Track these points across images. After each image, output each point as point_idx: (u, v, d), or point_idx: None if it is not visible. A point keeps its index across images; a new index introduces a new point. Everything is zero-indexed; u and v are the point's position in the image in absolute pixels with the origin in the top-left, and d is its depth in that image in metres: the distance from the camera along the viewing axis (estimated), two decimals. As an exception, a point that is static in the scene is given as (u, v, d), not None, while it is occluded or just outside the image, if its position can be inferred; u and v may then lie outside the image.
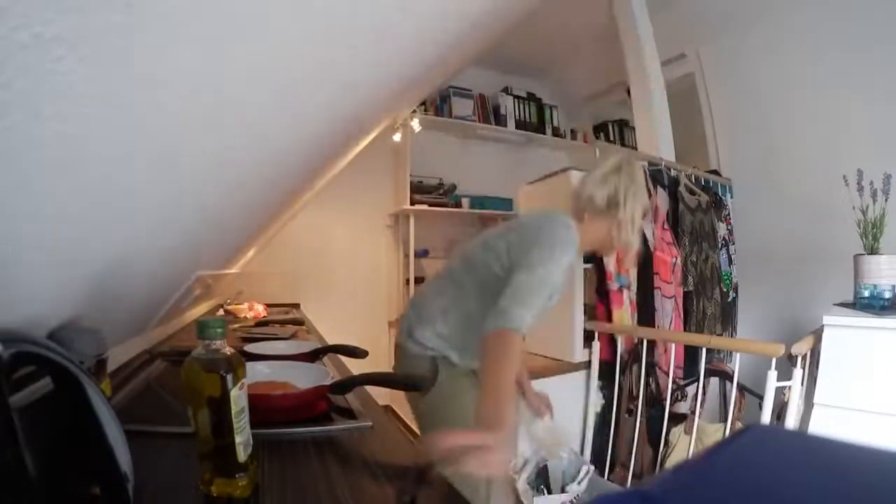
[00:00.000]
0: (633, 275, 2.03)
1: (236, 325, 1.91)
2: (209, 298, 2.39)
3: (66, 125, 0.38)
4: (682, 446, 1.79)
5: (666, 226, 2.10)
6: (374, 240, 3.43)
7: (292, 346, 1.34)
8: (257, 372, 0.93)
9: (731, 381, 1.72)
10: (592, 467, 1.77)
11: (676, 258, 2.08)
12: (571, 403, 2.05)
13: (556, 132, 3.73)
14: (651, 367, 1.93)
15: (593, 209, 1.15)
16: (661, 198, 2.17)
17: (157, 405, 0.92)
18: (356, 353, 1.24)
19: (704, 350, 1.68)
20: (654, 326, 2.01)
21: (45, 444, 0.42)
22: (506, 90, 3.56)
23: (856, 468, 0.18)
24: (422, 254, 3.35)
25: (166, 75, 0.45)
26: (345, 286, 3.35)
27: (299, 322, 2.18)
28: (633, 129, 2.83)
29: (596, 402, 2.02)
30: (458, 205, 3.37)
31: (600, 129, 3.86)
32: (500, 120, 3.50)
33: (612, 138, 3.81)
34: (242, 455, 0.54)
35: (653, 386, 1.95)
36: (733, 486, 0.18)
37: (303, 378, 0.91)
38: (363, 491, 0.59)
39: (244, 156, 0.85)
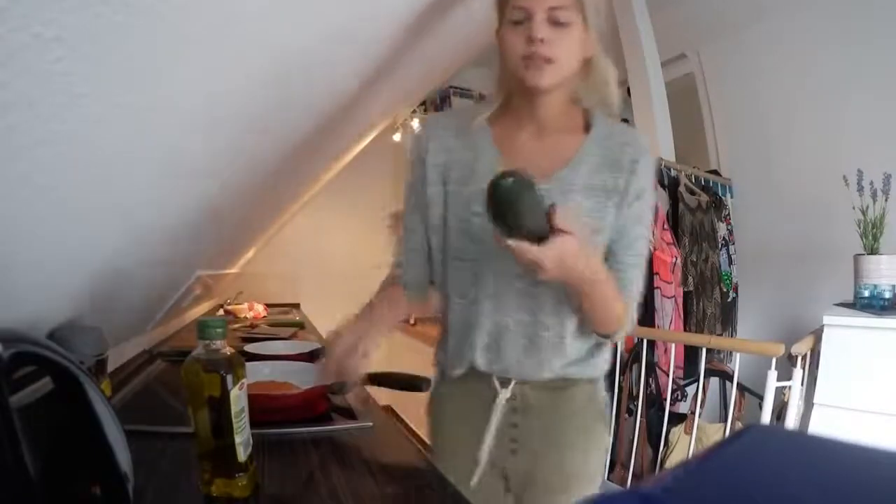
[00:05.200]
0: (633, 275, 2.03)
1: (236, 325, 1.91)
2: (209, 298, 2.39)
3: (65, 125, 0.38)
4: (682, 446, 1.79)
5: (666, 226, 2.10)
6: (374, 240, 3.43)
7: (292, 346, 1.34)
8: (257, 372, 0.92)
9: (731, 381, 1.72)
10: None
11: (676, 258, 2.08)
12: (571, 403, 2.05)
13: (556, 132, 3.72)
14: (651, 367, 1.93)
15: None
16: (661, 198, 2.17)
17: (157, 405, 0.92)
18: (356, 353, 1.24)
19: (704, 350, 1.68)
20: (654, 326, 2.00)
21: (45, 444, 0.42)
22: (506, 90, 3.56)
23: (856, 468, 0.18)
24: (422, 254, 3.34)
25: (166, 76, 0.45)
26: (345, 286, 3.34)
27: (299, 324, 2.18)
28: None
29: (596, 402, 2.02)
30: (459, 205, 3.36)
31: (600, 129, 3.86)
32: (500, 120, 3.49)
33: (612, 138, 3.80)
34: (242, 455, 0.54)
35: (653, 386, 1.95)
36: (733, 486, 0.18)
37: (303, 378, 0.91)
38: (363, 491, 0.59)
39: (245, 155, 0.85)
